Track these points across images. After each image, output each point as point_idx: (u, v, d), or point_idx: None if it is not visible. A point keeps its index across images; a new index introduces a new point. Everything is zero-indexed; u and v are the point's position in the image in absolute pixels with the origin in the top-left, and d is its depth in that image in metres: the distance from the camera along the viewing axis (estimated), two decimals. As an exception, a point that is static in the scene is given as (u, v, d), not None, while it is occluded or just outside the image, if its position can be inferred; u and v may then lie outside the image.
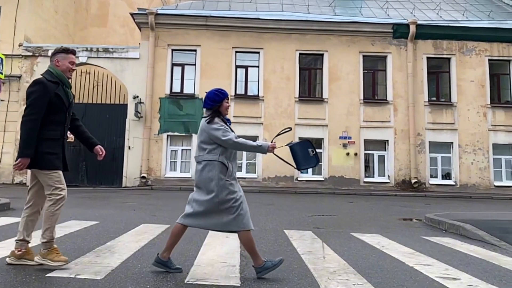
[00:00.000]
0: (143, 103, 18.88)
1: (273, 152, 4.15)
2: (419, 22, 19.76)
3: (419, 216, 9.86)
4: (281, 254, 5.06)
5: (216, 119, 4.17)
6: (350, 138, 19.21)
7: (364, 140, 19.43)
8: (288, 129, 4.51)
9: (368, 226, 8.00)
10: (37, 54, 19.42)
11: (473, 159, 19.39)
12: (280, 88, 19.36)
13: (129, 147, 18.75)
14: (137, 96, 18.85)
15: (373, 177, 19.50)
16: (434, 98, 20.12)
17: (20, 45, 19.41)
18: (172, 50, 19.64)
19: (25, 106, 4.12)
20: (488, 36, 19.98)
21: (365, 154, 19.48)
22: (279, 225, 7.79)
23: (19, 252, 4.13)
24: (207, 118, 4.20)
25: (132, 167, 18.72)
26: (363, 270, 4.47)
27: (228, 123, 4.29)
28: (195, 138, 18.96)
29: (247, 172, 19.24)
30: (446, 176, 19.64)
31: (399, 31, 19.75)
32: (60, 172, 4.18)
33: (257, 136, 19.02)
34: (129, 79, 19.20)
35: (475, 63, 19.99)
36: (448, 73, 20.16)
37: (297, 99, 19.49)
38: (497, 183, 19.37)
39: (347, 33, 19.88)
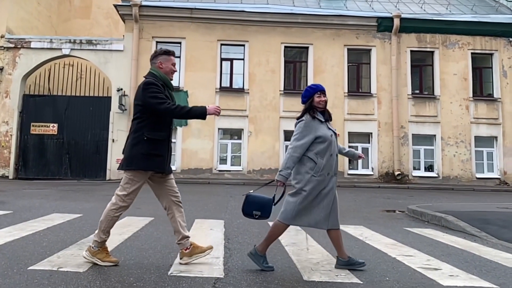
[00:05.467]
0: (127, 95, 18.68)
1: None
2: (403, 15, 19.83)
3: (402, 207, 9.96)
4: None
5: (305, 117, 4.22)
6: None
7: (348, 132, 19.52)
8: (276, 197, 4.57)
9: (351, 218, 8.06)
10: (19, 46, 19.05)
11: (456, 152, 19.61)
12: (265, 81, 19.34)
13: (113, 140, 18.56)
14: (121, 89, 18.65)
15: (357, 169, 19.63)
16: (418, 91, 20.28)
17: (2, 36, 19.03)
18: (157, 42, 19.43)
19: (139, 106, 4.14)
20: (471, 29, 20.16)
21: (349, 146, 19.56)
22: (264, 217, 7.78)
23: (188, 250, 4.11)
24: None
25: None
26: (346, 261, 4.51)
27: (323, 117, 4.36)
28: (179, 131, 18.90)
29: (232, 165, 19.23)
30: (429, 168, 19.86)
31: (383, 25, 19.84)
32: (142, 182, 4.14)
33: (242, 129, 19.05)
34: (113, 72, 18.96)
35: (458, 57, 20.18)
36: (432, 66, 20.32)
37: (282, 92, 19.49)
38: (478, 175, 19.63)
39: (332, 26, 19.90)
